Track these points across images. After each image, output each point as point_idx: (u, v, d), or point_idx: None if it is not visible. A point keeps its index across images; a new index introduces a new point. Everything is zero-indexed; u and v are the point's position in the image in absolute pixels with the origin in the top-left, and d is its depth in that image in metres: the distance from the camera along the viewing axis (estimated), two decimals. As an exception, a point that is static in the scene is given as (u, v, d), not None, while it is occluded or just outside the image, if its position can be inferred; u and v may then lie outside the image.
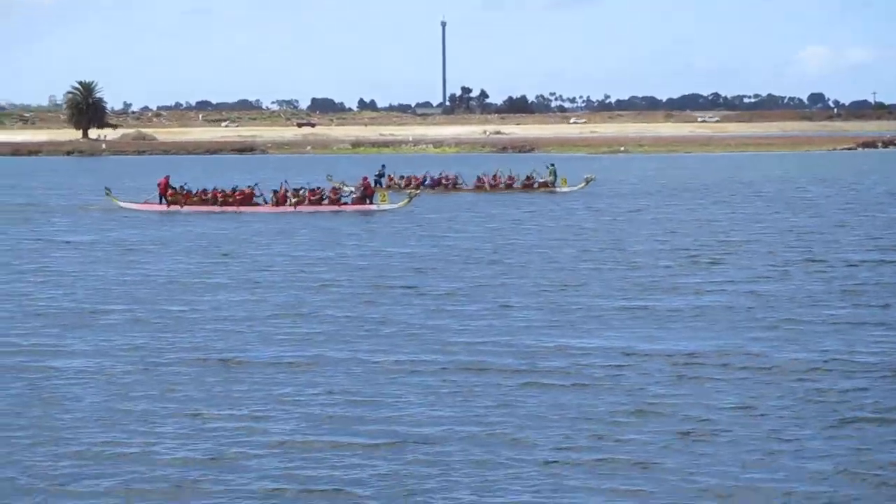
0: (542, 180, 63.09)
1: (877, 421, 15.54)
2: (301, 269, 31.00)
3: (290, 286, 27.92)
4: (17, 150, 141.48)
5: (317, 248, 36.11)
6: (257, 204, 50.95)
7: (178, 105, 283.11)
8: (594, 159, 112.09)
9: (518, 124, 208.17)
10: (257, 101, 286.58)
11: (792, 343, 20.39)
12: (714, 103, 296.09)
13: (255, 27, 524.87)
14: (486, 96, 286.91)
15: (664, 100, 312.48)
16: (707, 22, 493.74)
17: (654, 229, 41.33)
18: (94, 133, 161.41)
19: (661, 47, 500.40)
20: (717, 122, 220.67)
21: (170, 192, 51.67)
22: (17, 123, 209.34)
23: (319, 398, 16.97)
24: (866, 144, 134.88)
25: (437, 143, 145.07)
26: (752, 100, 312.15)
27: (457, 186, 63.92)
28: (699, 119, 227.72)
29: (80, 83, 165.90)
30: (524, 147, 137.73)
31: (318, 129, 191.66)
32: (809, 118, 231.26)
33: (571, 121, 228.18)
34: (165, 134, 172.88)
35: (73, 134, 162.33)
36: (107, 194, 53.77)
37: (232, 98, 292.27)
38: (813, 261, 31.47)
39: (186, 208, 50.48)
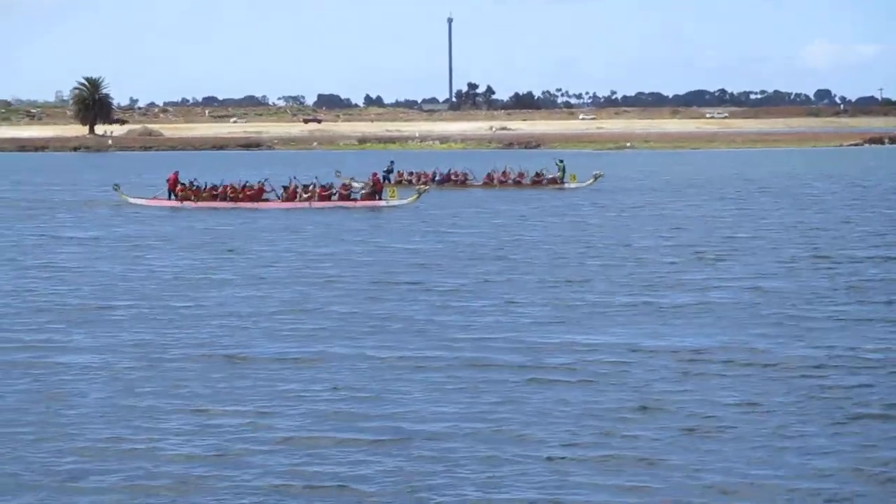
0: (551, 176, 63.08)
1: (882, 418, 15.53)
2: (307, 265, 31.02)
3: (296, 282, 27.93)
4: (23, 145, 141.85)
5: (323, 244, 36.12)
6: (268, 200, 50.99)
7: (184, 101, 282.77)
8: (600, 155, 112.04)
9: (524, 120, 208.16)
10: (263, 97, 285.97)
11: (797, 339, 20.38)
12: (720, 99, 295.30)
13: (262, 23, 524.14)
14: (493, 92, 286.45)
15: (670, 96, 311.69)
16: (713, 18, 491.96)
17: (659, 225, 41.32)
18: (100, 129, 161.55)
19: (668, 43, 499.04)
20: (725, 118, 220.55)
21: (179, 188, 51.72)
22: (24, 119, 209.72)
23: (324, 394, 16.98)
24: (873, 141, 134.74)
25: (444, 140, 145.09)
26: (759, 96, 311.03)
27: (466, 183, 63.89)
28: (707, 115, 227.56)
29: (87, 79, 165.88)
30: (530, 143, 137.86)
31: (325, 126, 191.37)
32: (816, 114, 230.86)
33: (581, 117, 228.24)
34: (171, 130, 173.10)
35: (80, 130, 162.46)
36: (115, 190, 53.85)
37: (238, 94, 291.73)
38: (818, 257, 31.44)
39: (197, 204, 50.53)
